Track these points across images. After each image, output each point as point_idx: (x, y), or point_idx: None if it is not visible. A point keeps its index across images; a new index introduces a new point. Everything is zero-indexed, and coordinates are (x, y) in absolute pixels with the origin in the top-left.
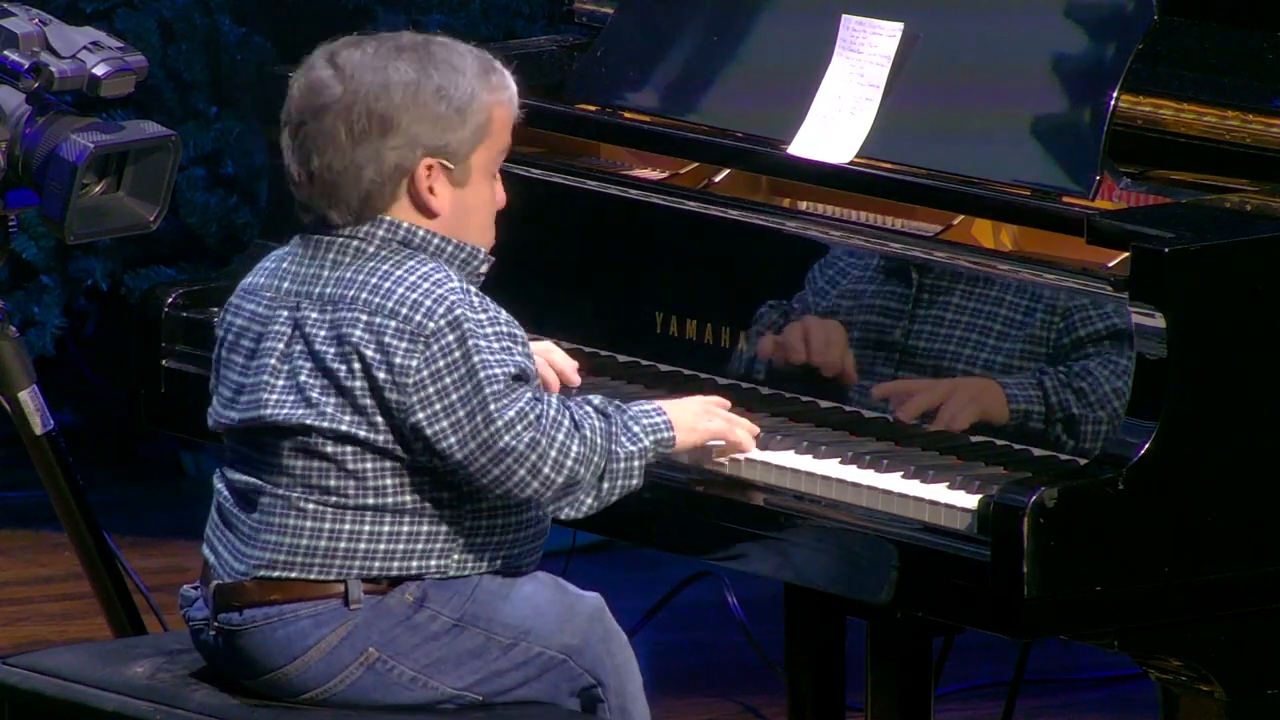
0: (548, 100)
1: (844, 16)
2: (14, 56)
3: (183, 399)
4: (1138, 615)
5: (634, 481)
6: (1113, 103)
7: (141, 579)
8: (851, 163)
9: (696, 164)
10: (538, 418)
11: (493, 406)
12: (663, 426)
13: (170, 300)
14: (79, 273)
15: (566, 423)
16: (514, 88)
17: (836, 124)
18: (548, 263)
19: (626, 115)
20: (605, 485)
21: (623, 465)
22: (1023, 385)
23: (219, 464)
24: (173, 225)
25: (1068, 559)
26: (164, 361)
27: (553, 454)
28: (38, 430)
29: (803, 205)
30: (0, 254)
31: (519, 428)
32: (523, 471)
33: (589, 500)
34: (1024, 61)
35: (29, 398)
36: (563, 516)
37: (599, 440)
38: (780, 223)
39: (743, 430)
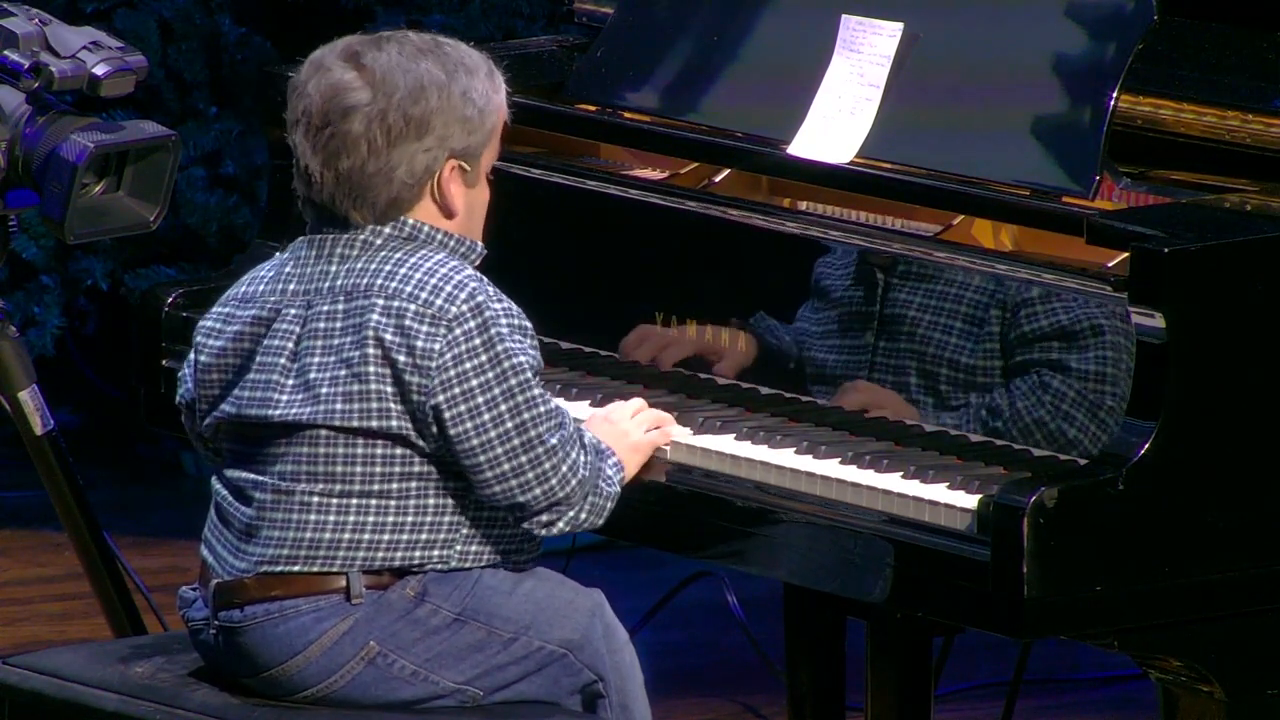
0: (548, 100)
1: (844, 16)
2: (14, 56)
3: None
4: (1138, 615)
5: (599, 521)
6: (1113, 103)
7: (141, 579)
8: (851, 163)
9: (696, 164)
10: (560, 424)
11: (521, 397)
12: (619, 466)
13: (170, 300)
14: (79, 273)
15: (580, 441)
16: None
17: (836, 124)
18: (547, 263)
19: (626, 115)
20: (583, 516)
21: (600, 502)
22: (962, 424)
23: (216, 465)
24: (173, 225)
25: (1068, 559)
26: (164, 361)
27: (564, 468)
28: (38, 430)
29: (803, 205)
30: (0, 254)
31: (548, 425)
32: (532, 474)
33: (561, 524)
34: (1024, 61)
35: (29, 398)
36: (536, 533)
37: (593, 472)
38: (780, 223)
39: (665, 425)
